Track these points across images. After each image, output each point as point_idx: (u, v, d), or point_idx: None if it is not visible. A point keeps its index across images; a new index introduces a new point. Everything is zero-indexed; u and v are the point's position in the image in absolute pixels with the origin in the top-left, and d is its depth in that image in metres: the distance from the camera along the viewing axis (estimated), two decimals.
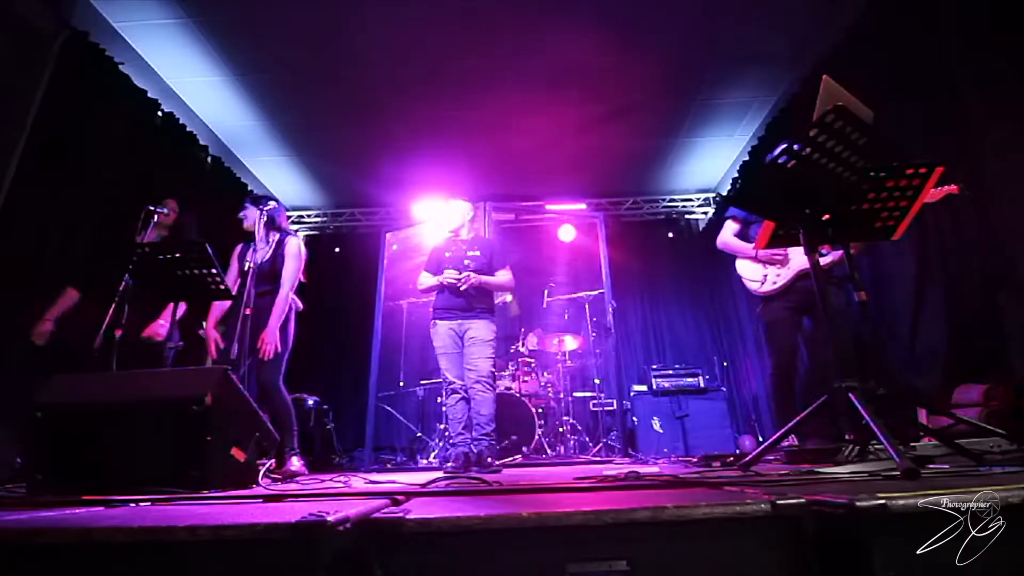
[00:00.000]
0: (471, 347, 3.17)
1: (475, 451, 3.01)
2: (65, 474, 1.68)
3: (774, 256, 2.89)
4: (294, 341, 3.13)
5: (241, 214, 3.17)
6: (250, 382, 2.98)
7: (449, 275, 3.20)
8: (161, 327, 3.18)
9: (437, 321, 3.26)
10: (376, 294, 5.31)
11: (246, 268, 2.90)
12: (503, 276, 3.33)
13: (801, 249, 2.88)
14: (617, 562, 0.76)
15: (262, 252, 3.08)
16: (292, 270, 3.08)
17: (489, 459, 3.03)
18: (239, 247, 3.21)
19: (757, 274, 2.99)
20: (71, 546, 0.74)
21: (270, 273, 3.04)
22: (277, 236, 3.16)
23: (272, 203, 3.18)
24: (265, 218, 3.10)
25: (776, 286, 2.89)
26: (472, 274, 3.17)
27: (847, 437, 2.08)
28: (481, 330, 3.18)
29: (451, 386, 3.19)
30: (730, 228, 3.08)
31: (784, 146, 1.61)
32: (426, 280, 3.36)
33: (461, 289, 3.17)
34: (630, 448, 4.64)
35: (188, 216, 3.39)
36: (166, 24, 3.77)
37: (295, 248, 3.14)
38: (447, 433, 4.69)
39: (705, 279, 6.52)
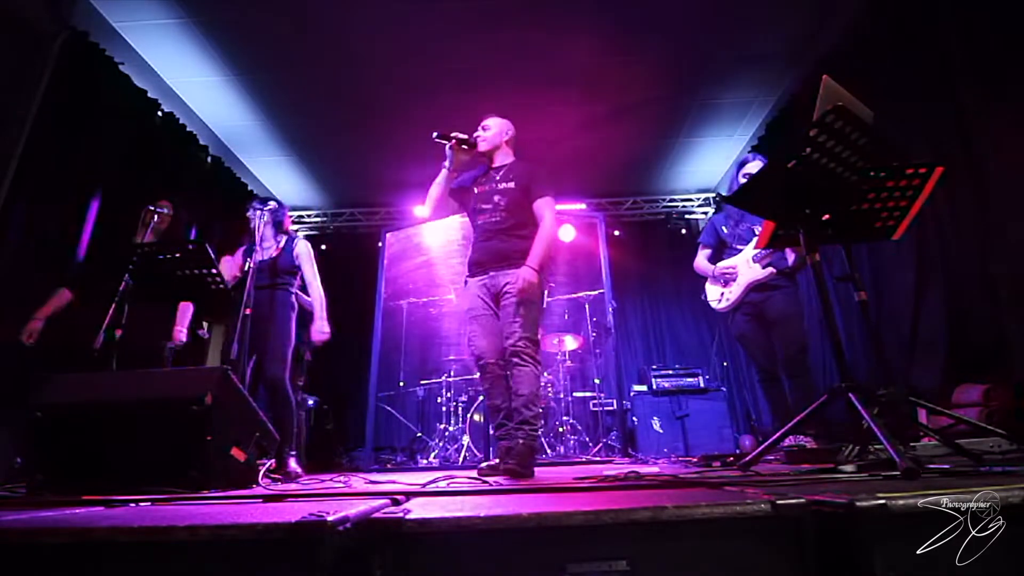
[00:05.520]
0: (507, 306, 2.40)
1: (505, 445, 2.33)
2: (65, 474, 1.68)
3: (726, 274, 3.16)
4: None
5: (249, 214, 3.21)
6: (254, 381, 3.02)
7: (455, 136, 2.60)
8: (180, 333, 3.29)
9: (468, 279, 2.58)
10: (376, 294, 5.31)
11: (246, 268, 2.91)
12: (542, 211, 2.51)
13: (747, 263, 3.04)
14: (617, 562, 0.76)
15: (268, 251, 3.18)
16: (312, 270, 3.27)
17: (525, 458, 2.21)
18: (244, 246, 3.27)
19: (716, 294, 3.26)
20: (71, 546, 0.74)
21: (271, 269, 3.11)
22: (284, 237, 3.28)
23: (274, 204, 3.26)
24: (268, 218, 3.20)
25: (731, 302, 3.15)
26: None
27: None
28: (519, 283, 2.37)
29: (481, 362, 2.46)
30: (702, 254, 3.38)
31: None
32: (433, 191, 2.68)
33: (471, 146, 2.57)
34: (630, 448, 4.64)
35: (182, 215, 3.44)
36: (166, 24, 3.77)
37: (307, 250, 3.29)
38: (447, 432, 4.71)
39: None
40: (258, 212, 3.16)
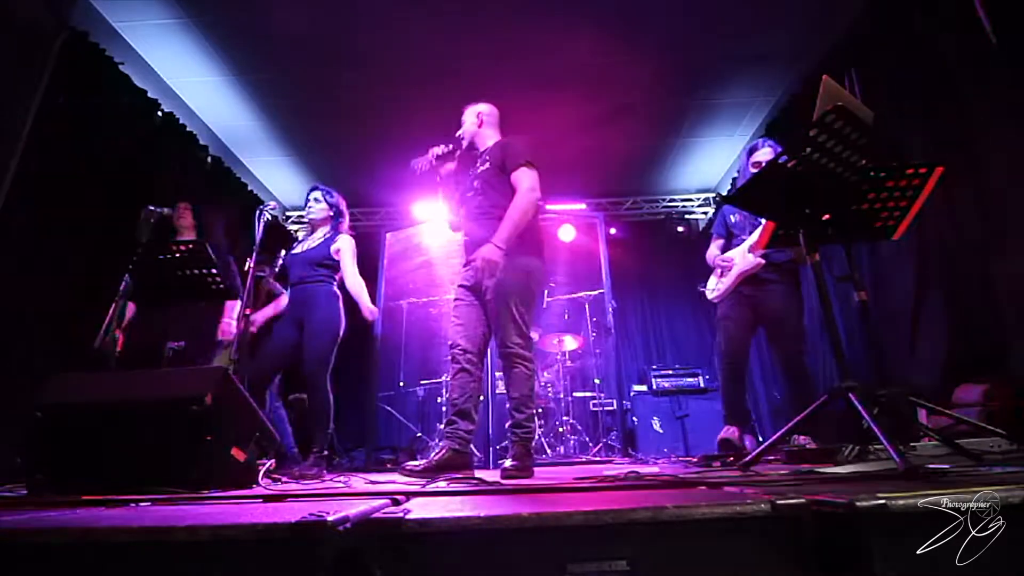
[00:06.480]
0: (490, 302, 2.23)
1: (447, 445, 2.17)
2: (65, 474, 1.68)
3: (723, 264, 3.15)
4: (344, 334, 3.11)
5: (308, 205, 3.26)
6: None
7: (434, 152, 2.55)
8: (228, 325, 3.30)
9: (462, 269, 2.47)
10: (376, 294, 5.31)
11: (246, 268, 2.90)
12: (518, 182, 2.29)
13: (743, 253, 3.02)
14: (617, 562, 0.76)
15: (312, 242, 3.18)
16: (352, 266, 3.11)
17: (523, 460, 2.10)
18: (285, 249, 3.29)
19: (713, 284, 3.27)
20: (71, 546, 0.74)
21: (315, 261, 3.07)
22: (330, 230, 3.23)
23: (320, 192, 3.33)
24: (327, 209, 3.26)
25: (720, 292, 3.17)
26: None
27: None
28: (479, 262, 2.15)
29: (451, 349, 2.32)
30: (714, 244, 3.33)
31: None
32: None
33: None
34: (630, 448, 4.64)
35: (210, 216, 3.49)
36: (166, 24, 3.77)
37: (348, 245, 3.14)
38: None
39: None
40: (318, 201, 3.21)
